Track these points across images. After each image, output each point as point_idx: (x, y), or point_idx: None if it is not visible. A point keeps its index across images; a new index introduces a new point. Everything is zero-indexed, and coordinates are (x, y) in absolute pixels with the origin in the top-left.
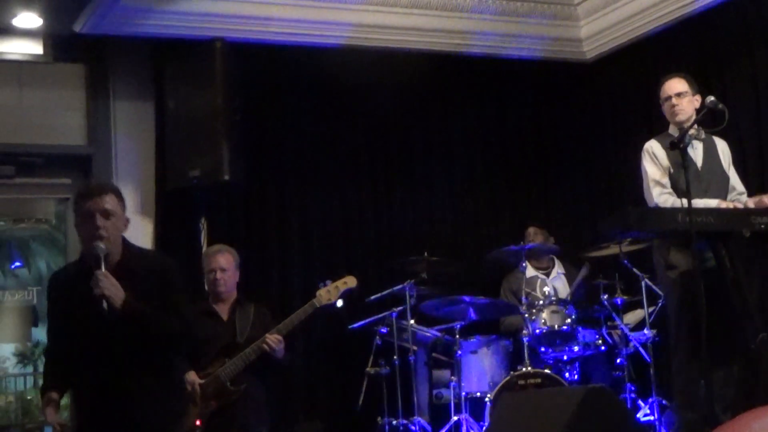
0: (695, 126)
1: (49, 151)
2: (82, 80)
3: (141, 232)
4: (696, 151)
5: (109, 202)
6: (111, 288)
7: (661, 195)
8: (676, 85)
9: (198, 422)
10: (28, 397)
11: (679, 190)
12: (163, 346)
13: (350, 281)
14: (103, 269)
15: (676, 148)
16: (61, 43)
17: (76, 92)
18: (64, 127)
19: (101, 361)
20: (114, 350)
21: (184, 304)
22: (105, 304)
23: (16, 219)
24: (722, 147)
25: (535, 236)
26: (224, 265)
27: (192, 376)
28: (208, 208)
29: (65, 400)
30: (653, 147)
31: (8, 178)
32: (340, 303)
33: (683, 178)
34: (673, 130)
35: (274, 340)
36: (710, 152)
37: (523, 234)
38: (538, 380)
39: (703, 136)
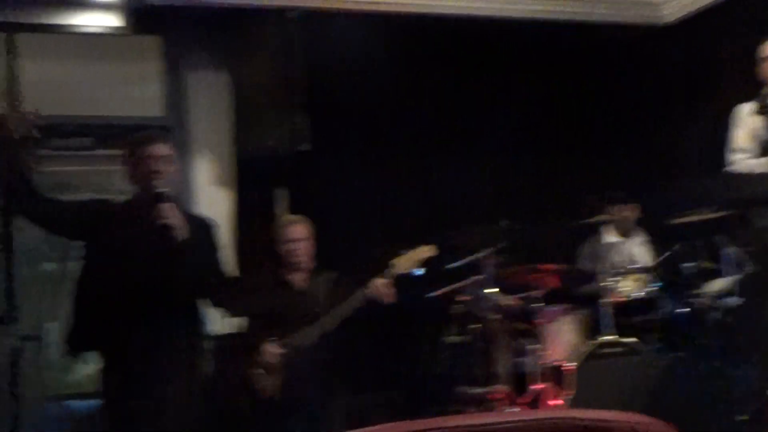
0: None
1: (128, 122)
2: (159, 52)
3: (218, 203)
4: None
5: (165, 149)
6: (177, 220)
7: (737, 161)
8: None
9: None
10: None
11: None
12: (203, 292)
13: (429, 250)
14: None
15: (764, 114)
16: (137, 15)
17: (152, 64)
18: (142, 98)
19: (135, 296)
20: (152, 286)
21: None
22: (169, 235)
23: (96, 190)
24: None
25: (621, 211)
26: (300, 235)
27: (271, 346)
28: (285, 177)
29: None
30: (743, 110)
31: (88, 150)
32: (418, 271)
33: None
34: None
35: (381, 284)
36: None
37: (603, 201)
38: (621, 349)
39: None
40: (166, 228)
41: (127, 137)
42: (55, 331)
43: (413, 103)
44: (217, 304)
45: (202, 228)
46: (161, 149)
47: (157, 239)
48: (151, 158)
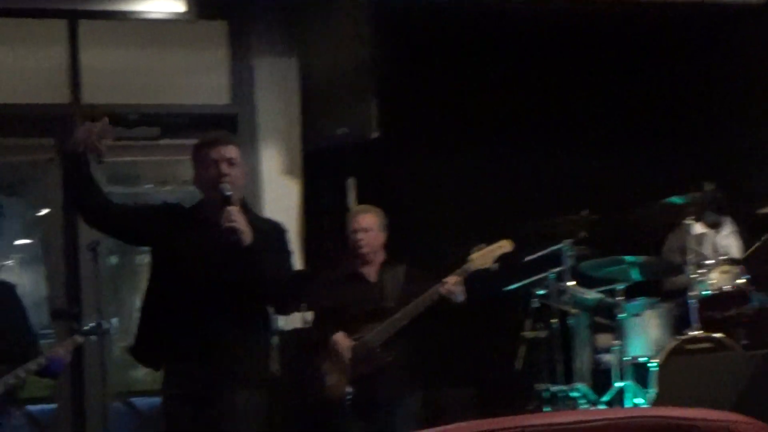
0: None
1: (194, 111)
2: (225, 37)
3: (286, 194)
4: None
5: (232, 151)
6: (243, 224)
7: None
8: None
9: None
10: None
11: None
12: (269, 298)
13: (506, 245)
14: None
15: None
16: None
17: (218, 50)
18: (208, 86)
19: (203, 302)
20: (220, 292)
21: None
22: (234, 239)
23: (161, 181)
24: None
25: (707, 193)
26: (366, 225)
27: (341, 338)
28: (356, 167)
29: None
30: None
31: (153, 140)
32: (495, 267)
33: None
34: None
35: (452, 283)
36: None
37: (690, 188)
38: (709, 345)
39: None
40: (232, 232)
41: (195, 139)
42: (118, 326)
43: (488, 88)
44: (280, 311)
45: (272, 233)
46: (229, 151)
47: (223, 244)
48: (218, 161)
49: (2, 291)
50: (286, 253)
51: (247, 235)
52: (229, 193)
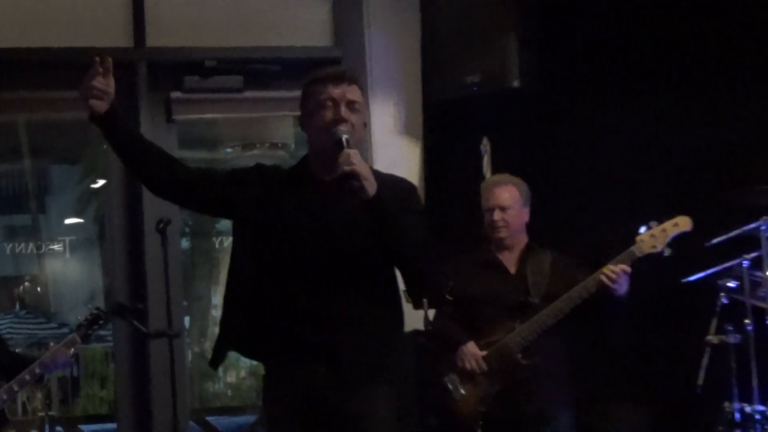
0: None
1: (286, 55)
2: None
3: (404, 156)
4: None
5: (356, 92)
6: (366, 169)
7: None
8: None
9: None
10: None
11: None
12: (399, 263)
13: (682, 223)
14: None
15: None
16: None
17: None
18: (304, 24)
19: (315, 276)
20: (336, 263)
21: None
22: (356, 186)
23: (245, 144)
24: None
25: None
26: (505, 201)
27: (472, 348)
28: (492, 124)
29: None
30: None
31: (236, 92)
32: (668, 251)
33: None
34: None
35: (615, 270)
36: None
37: None
38: None
39: None
40: (352, 177)
41: (286, 91)
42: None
43: (668, 26)
44: (418, 287)
45: (400, 189)
46: (353, 92)
47: (338, 197)
48: (337, 101)
49: None
50: (421, 214)
51: (371, 184)
52: (345, 136)
